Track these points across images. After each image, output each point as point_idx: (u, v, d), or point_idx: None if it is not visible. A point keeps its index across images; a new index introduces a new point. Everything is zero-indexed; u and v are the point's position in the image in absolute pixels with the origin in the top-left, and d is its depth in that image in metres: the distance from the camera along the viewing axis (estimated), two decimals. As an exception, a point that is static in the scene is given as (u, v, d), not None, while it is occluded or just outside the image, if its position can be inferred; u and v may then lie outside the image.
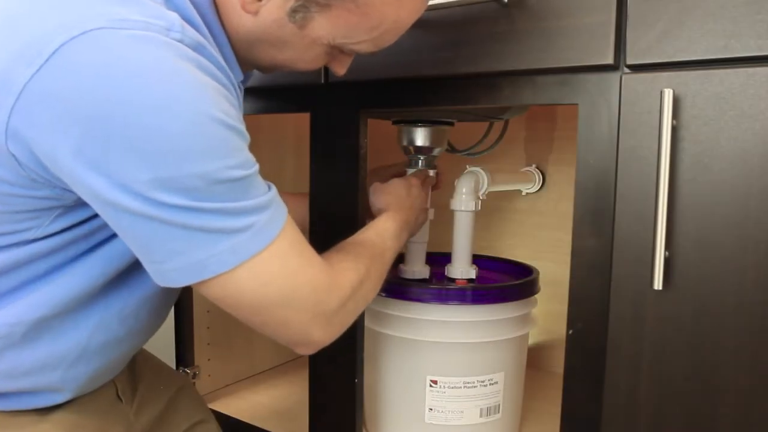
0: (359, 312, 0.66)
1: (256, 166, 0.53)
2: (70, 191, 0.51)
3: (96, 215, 0.54)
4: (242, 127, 0.52)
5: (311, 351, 0.60)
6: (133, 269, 0.60)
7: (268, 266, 0.53)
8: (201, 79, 0.49)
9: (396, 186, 0.83)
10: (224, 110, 0.50)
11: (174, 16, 0.50)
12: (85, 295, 0.58)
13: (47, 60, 0.45)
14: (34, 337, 0.57)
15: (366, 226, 0.74)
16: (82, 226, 0.56)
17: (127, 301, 0.62)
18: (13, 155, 0.48)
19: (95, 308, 0.60)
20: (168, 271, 0.51)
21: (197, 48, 0.51)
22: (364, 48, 0.60)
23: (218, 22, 0.57)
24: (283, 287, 0.54)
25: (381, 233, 0.73)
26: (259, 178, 0.54)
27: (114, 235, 0.56)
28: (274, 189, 0.56)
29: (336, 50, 0.60)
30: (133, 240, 0.51)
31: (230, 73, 0.57)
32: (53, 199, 0.52)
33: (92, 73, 0.45)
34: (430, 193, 0.92)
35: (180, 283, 0.51)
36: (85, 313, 0.59)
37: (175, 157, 0.47)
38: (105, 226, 0.55)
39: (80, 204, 0.53)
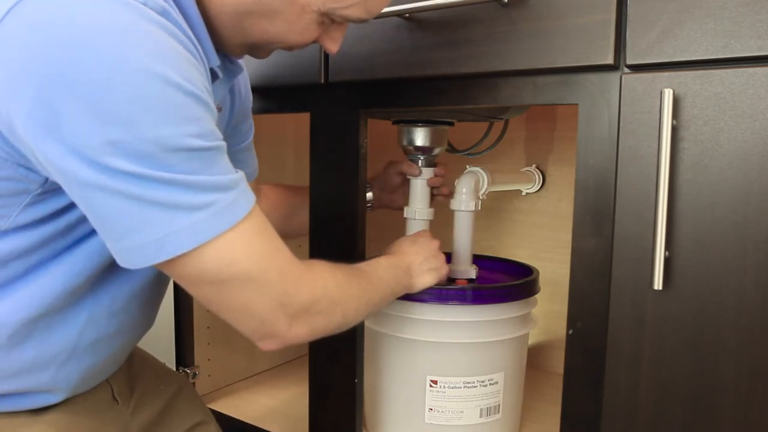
0: (334, 323, 0.61)
1: (221, 143, 0.51)
2: (35, 171, 0.50)
3: (68, 208, 0.53)
4: (208, 97, 0.50)
5: (274, 346, 0.57)
6: (118, 264, 0.59)
7: (231, 248, 0.50)
8: (164, 41, 0.47)
9: (402, 239, 0.84)
10: (187, 77, 0.47)
11: None
12: (69, 293, 0.57)
13: (1, 21, 0.44)
14: (21, 339, 0.56)
15: None
16: (56, 220, 0.54)
17: (116, 297, 0.61)
18: None
19: (83, 306, 0.59)
20: (125, 250, 0.49)
21: (162, 13, 0.49)
22: (356, 13, 0.58)
23: (193, 3, 0.54)
24: (249, 268, 0.52)
25: (371, 263, 0.73)
26: (225, 158, 0.52)
27: (93, 232, 0.55)
28: (241, 174, 0.53)
29: (327, 19, 0.59)
30: (90, 215, 0.49)
31: (200, 49, 0.54)
32: (18, 180, 0.51)
33: (44, 30, 0.44)
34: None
35: (139, 263, 0.49)
36: (72, 312, 0.59)
37: (126, 120, 0.44)
38: (81, 222, 0.54)
39: (50, 191, 0.52)
